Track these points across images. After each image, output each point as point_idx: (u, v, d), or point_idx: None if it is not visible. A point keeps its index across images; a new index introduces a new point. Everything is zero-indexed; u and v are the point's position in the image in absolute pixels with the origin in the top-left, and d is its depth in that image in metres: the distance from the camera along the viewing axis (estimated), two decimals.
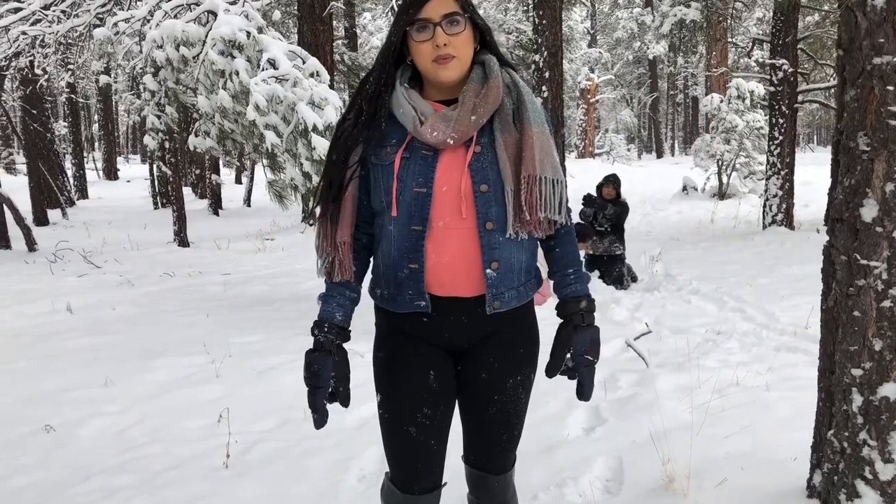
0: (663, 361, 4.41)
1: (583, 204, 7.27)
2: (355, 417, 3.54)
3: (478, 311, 1.71)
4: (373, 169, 1.70)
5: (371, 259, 1.83)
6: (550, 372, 1.75)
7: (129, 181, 25.20)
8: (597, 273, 7.03)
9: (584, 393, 1.74)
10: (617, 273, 6.98)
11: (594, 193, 7.40)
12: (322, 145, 5.52)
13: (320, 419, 1.70)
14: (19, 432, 3.59)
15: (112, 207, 17.33)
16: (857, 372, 2.19)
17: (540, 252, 1.82)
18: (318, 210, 1.74)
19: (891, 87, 2.07)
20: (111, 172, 26.97)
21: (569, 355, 1.73)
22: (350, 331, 1.78)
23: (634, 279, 7.18)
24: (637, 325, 5.38)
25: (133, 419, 3.73)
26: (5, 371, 4.56)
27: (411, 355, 1.77)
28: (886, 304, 2.12)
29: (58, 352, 5.02)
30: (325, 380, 1.68)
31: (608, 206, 7.18)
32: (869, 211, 2.12)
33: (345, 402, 1.74)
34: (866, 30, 2.11)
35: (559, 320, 1.77)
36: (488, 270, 1.66)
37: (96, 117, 35.76)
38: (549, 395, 3.64)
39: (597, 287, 6.54)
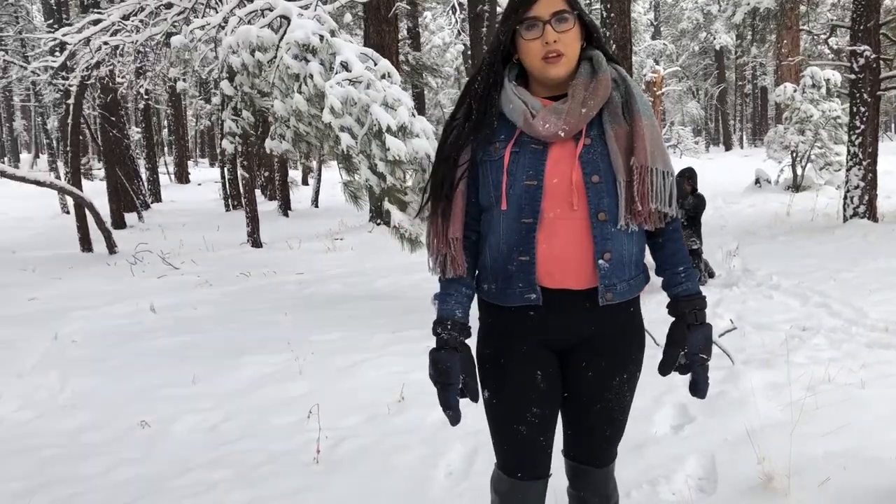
0: (748, 358, 4.31)
1: None
2: (440, 413, 3.57)
3: (587, 304, 1.71)
4: (482, 165, 1.72)
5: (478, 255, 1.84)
6: (664, 370, 1.75)
7: (199, 184, 25.86)
8: None
9: (700, 390, 1.74)
10: (693, 268, 6.84)
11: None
12: (396, 146, 5.57)
13: (455, 416, 1.72)
14: (117, 427, 3.74)
15: (185, 210, 17.84)
16: None
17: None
18: (428, 207, 1.77)
19: None
20: (182, 176, 27.75)
21: (682, 353, 1.73)
22: (470, 327, 1.79)
23: (711, 275, 7.04)
24: (718, 322, 5.26)
25: (224, 415, 3.84)
26: (100, 369, 4.75)
27: (519, 354, 1.77)
28: None
29: (146, 350, 5.20)
30: (456, 377, 1.71)
31: (688, 197, 7.04)
32: None
33: (474, 397, 1.76)
34: None
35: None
36: (601, 261, 1.66)
37: (165, 123, 36.89)
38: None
39: None
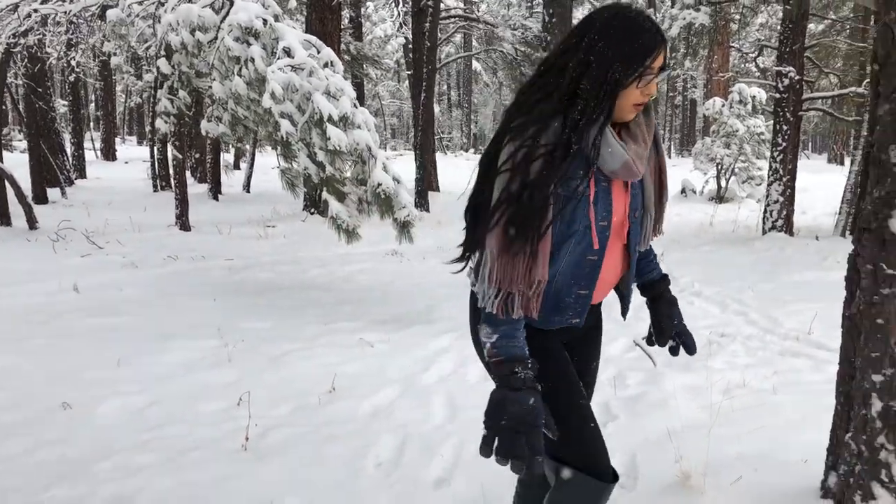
0: (669, 361, 4.47)
1: None
2: (371, 403, 3.61)
3: (596, 310, 1.97)
4: (562, 201, 1.65)
5: None
6: (663, 339, 1.98)
7: (126, 162, 25.05)
8: None
9: (692, 348, 2.00)
10: None
11: None
12: (336, 136, 5.55)
13: (541, 463, 1.53)
14: (37, 409, 3.63)
15: (111, 188, 17.26)
16: (877, 378, 2.25)
17: None
18: (509, 241, 1.61)
19: None
20: (109, 153, 26.83)
21: (673, 324, 1.99)
22: None
23: None
24: (640, 325, 5.43)
25: (149, 399, 3.77)
26: (20, 349, 4.59)
27: (559, 351, 1.86)
28: None
29: (69, 331, 5.05)
30: (541, 416, 1.57)
31: None
32: None
33: (554, 433, 1.62)
34: None
35: None
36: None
37: (92, 97, 35.57)
38: None
39: None
